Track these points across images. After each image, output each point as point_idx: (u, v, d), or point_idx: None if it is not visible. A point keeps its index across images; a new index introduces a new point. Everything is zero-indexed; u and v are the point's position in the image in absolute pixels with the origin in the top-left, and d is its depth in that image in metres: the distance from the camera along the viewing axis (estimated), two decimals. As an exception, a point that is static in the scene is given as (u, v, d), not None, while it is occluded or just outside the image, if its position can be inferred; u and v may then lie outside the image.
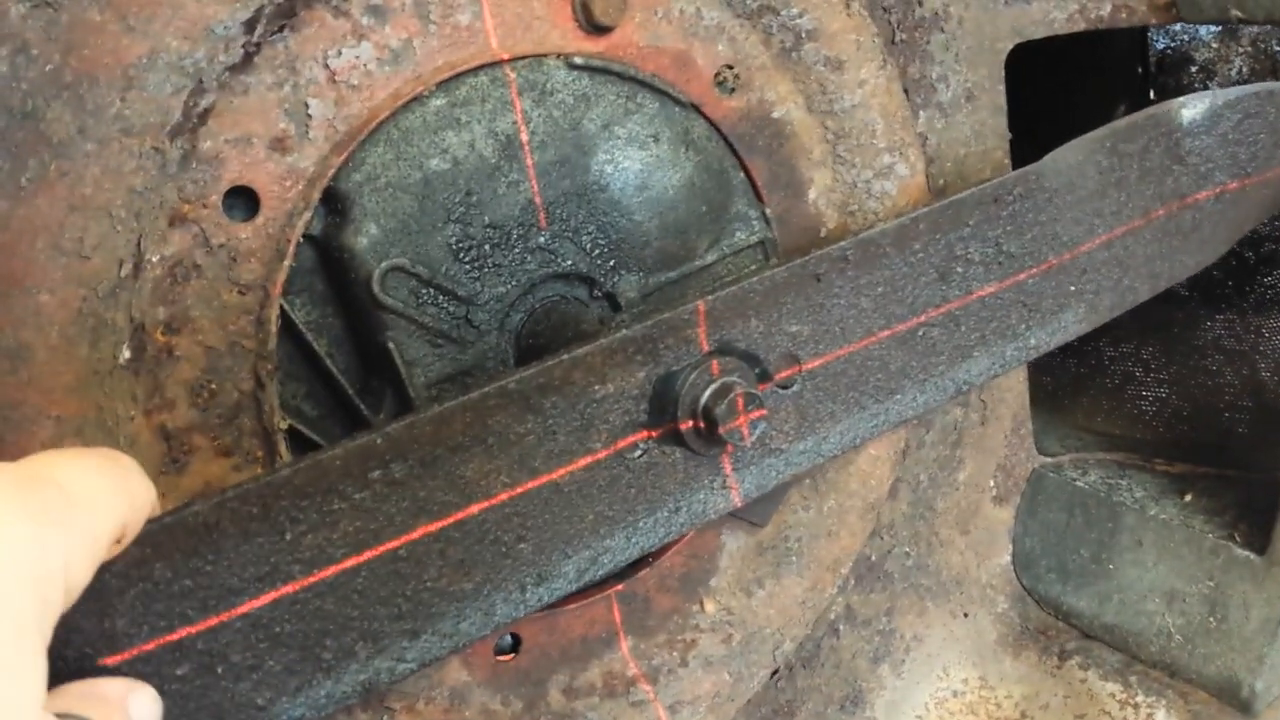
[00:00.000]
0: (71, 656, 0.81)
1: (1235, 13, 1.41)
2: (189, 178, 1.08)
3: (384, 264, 1.16)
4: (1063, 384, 2.09)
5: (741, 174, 1.37)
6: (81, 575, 0.72)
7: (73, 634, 0.81)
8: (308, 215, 1.13)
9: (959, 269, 1.22)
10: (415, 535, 0.95)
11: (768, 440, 1.15)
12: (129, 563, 0.83)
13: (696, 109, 1.32)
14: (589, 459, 1.04)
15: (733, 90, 1.34)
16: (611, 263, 1.29)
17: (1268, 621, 1.53)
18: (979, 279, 1.23)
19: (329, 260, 1.18)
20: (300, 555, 0.90)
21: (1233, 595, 1.57)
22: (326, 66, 1.12)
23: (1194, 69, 2.04)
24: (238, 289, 1.11)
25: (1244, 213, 1.46)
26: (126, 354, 1.08)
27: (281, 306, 1.14)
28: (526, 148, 1.22)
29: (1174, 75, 2.07)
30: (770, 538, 1.48)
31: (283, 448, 1.15)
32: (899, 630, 1.70)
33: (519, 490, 1.00)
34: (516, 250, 1.23)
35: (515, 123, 1.21)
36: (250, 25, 1.07)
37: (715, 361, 1.08)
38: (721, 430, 1.05)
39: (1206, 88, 2.01)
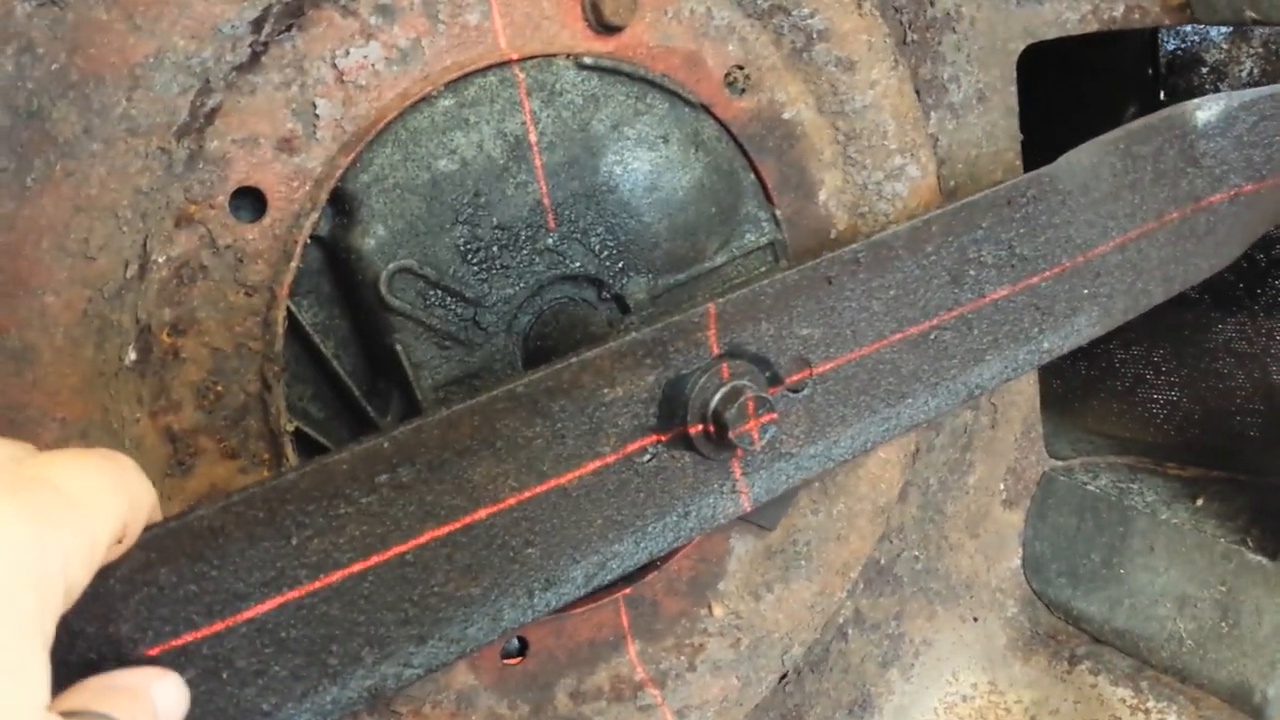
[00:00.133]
0: (76, 662, 0.80)
1: (1250, 14, 1.40)
2: (195, 178, 1.07)
3: (391, 265, 1.15)
4: (1073, 387, 2.08)
5: (751, 175, 1.36)
6: (81, 576, 0.72)
7: (77, 639, 0.81)
8: (315, 216, 1.12)
9: (972, 272, 1.21)
10: (422, 540, 0.94)
11: (778, 444, 1.14)
12: (133, 567, 0.82)
13: (706, 110, 1.31)
14: (598, 463, 1.03)
15: (743, 91, 1.33)
16: (620, 264, 1.28)
17: (1280, 627, 1.52)
18: (992, 282, 1.23)
19: (336, 261, 1.17)
20: (306, 560, 0.89)
21: (1245, 600, 1.56)
22: (334, 66, 1.11)
23: (1204, 70, 2.03)
24: (244, 290, 1.11)
25: (1259, 215, 1.45)
26: (132, 355, 1.07)
27: (288, 308, 1.13)
28: (535, 148, 1.21)
29: (1184, 76, 2.06)
30: (779, 541, 1.48)
31: (289, 450, 1.14)
32: (908, 634, 1.70)
33: (527, 494, 0.99)
34: (525, 252, 1.22)
35: (524, 123, 1.20)
36: (258, 24, 1.06)
37: (725, 365, 1.07)
38: (731, 434, 1.04)
39: (1217, 89, 2.00)
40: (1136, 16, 1.52)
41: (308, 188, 1.12)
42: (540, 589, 1.02)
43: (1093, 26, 1.53)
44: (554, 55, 1.21)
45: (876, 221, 1.43)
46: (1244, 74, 1.97)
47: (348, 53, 1.12)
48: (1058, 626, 1.75)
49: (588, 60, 1.23)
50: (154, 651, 0.84)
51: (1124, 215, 1.31)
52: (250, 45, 1.07)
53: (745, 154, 1.35)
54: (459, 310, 1.20)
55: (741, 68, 1.32)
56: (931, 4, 1.47)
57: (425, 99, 1.16)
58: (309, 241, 1.13)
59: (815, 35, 1.35)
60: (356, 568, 0.91)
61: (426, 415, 0.95)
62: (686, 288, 1.33)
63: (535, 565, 1.01)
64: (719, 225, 1.34)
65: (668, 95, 1.28)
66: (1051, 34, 1.53)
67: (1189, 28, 2.02)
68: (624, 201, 1.27)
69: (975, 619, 1.74)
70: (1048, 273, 1.26)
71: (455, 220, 1.18)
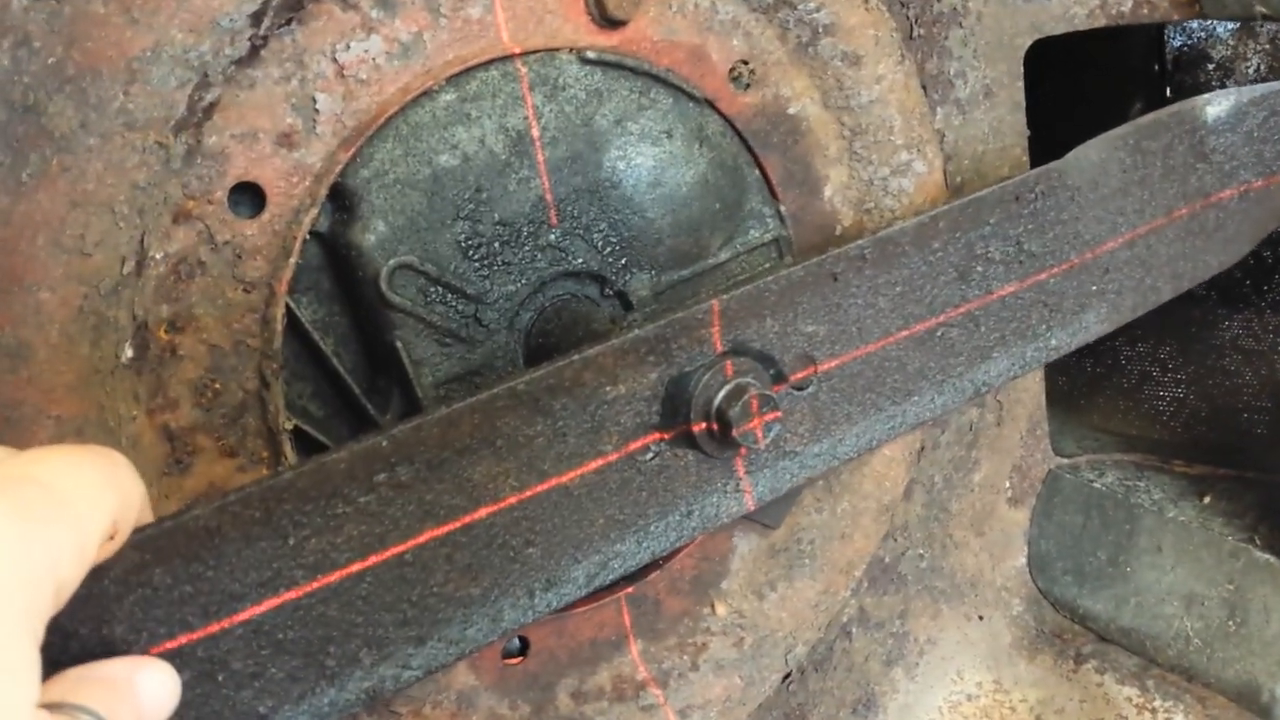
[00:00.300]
0: (69, 663, 0.79)
1: (1260, 9, 1.39)
2: (194, 173, 1.06)
3: (392, 261, 1.14)
4: (1079, 384, 2.07)
5: (756, 171, 1.36)
6: (72, 574, 0.71)
7: (70, 640, 0.80)
8: (314, 212, 1.11)
9: (979, 268, 1.20)
10: (421, 540, 0.93)
11: (782, 442, 1.13)
12: (127, 568, 0.81)
13: (711, 105, 1.31)
14: (600, 461, 1.02)
15: (748, 86, 1.32)
16: (623, 261, 1.27)
17: (1288, 626, 1.51)
18: (999, 278, 1.22)
19: (336, 258, 1.16)
20: (304, 560, 0.88)
21: (1253, 599, 1.55)
22: (335, 60, 1.11)
23: (1211, 66, 2.02)
24: (243, 287, 1.10)
25: (1269, 211, 1.44)
26: (129, 353, 1.06)
27: (287, 304, 1.13)
28: (538, 143, 1.20)
29: (1190, 73, 2.05)
30: (783, 540, 1.47)
31: (288, 448, 1.14)
32: (912, 633, 1.69)
33: (528, 494, 0.98)
34: (527, 248, 1.21)
35: (526, 118, 1.19)
36: (257, 18, 1.05)
37: (729, 362, 1.06)
38: (735, 433, 1.03)
39: (1224, 85, 1.99)
40: (1145, 12, 1.51)
41: (307, 183, 1.11)
42: (541, 589, 1.01)
43: (1100, 22, 1.52)
44: (557, 49, 1.20)
45: (882, 218, 1.42)
46: (1251, 70, 1.96)
47: (348, 47, 1.11)
48: (1063, 625, 1.75)
49: (591, 55, 1.22)
50: (149, 653, 0.83)
51: (1133, 211, 1.30)
52: (249, 39, 1.06)
53: (750, 149, 1.34)
54: (460, 307, 1.19)
55: (746, 62, 1.31)
56: (938, -1, 1.47)
57: (426, 93, 1.15)
58: (308, 237, 1.13)
59: (821, 30, 1.34)
60: (354, 568, 0.90)
61: (426, 414, 0.94)
62: (690, 284, 1.32)
63: (536, 565, 1.00)
64: (723, 221, 1.33)
65: (672, 90, 1.27)
66: (1059, 29, 1.52)
67: (1195, 24, 2.02)
68: (627, 197, 1.26)
69: (980, 617, 1.73)
70: (1056, 269, 1.25)
71: (456, 216, 1.17)
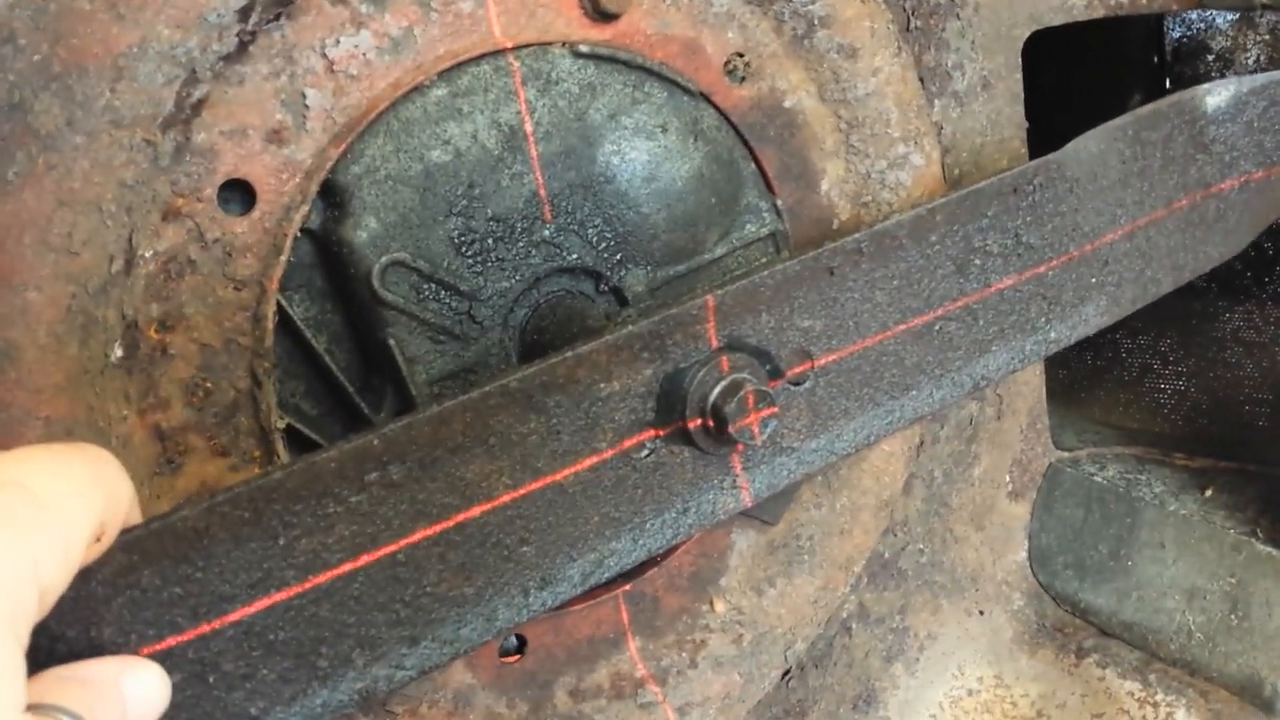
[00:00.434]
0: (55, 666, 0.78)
1: (1259, -1, 1.38)
2: (182, 171, 1.05)
3: (384, 258, 1.13)
4: (1079, 377, 2.07)
5: (752, 165, 1.35)
6: (57, 579, 0.70)
7: (58, 644, 0.79)
8: (305, 209, 1.10)
9: (977, 261, 1.19)
10: (414, 539, 0.93)
11: (779, 438, 1.12)
12: (115, 570, 0.81)
13: (706, 98, 1.29)
14: (594, 459, 1.01)
15: (743, 79, 1.31)
16: (618, 256, 1.26)
17: (1291, 620, 1.51)
18: (997, 271, 1.21)
19: (328, 255, 1.15)
20: (294, 560, 0.88)
21: (1255, 592, 1.55)
22: (324, 56, 1.10)
23: (1210, 58, 2.01)
24: (233, 285, 1.09)
25: (1270, 202, 1.43)
26: (119, 352, 1.05)
27: (279, 302, 1.12)
28: (531, 139, 1.19)
29: (1190, 64, 2.04)
30: (781, 536, 1.46)
31: (280, 447, 1.13)
32: (913, 628, 1.68)
33: (521, 492, 0.98)
34: (520, 244, 1.20)
35: (519, 113, 1.18)
36: (244, 13, 1.04)
37: (725, 358, 1.05)
38: (731, 429, 1.03)
39: (1223, 76, 1.98)
40: (1144, 2, 1.50)
41: (298, 180, 1.10)
42: (536, 588, 1.00)
43: (1099, 12, 1.51)
44: (549, 43, 1.19)
45: (880, 211, 1.42)
46: (1250, 61, 1.96)
47: (338, 42, 1.10)
48: (1065, 619, 1.74)
49: (584, 48, 1.21)
50: (138, 656, 0.82)
51: (1132, 202, 1.30)
52: (237, 34, 1.05)
53: (745, 143, 1.33)
54: (453, 304, 1.18)
55: (741, 55, 1.30)
56: (935, -11, 1.46)
57: (418, 89, 1.14)
58: (299, 235, 1.12)
59: (817, 22, 1.33)
60: (346, 568, 0.90)
61: (418, 412, 0.93)
62: (686, 280, 1.31)
63: (530, 564, 0.99)
64: (719, 216, 1.32)
65: (666, 84, 1.26)
66: (1057, 20, 1.51)
67: (1194, 15, 2.01)
68: (622, 192, 1.25)
69: (981, 612, 1.73)
70: (1055, 261, 1.24)
71: (449, 212, 1.16)
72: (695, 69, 1.28)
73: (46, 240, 0.99)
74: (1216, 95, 1.35)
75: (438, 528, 0.94)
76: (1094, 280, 1.28)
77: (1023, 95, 1.54)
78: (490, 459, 0.96)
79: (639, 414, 1.04)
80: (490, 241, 1.19)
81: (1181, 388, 1.95)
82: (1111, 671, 1.66)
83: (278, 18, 1.07)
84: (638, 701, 1.39)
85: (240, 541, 0.86)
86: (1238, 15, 1.95)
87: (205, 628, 0.85)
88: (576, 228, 1.23)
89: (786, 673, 1.57)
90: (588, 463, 1.01)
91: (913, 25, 1.45)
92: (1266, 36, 1.94)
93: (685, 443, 1.06)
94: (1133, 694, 1.63)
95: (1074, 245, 1.26)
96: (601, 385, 1.01)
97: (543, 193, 1.21)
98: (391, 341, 1.16)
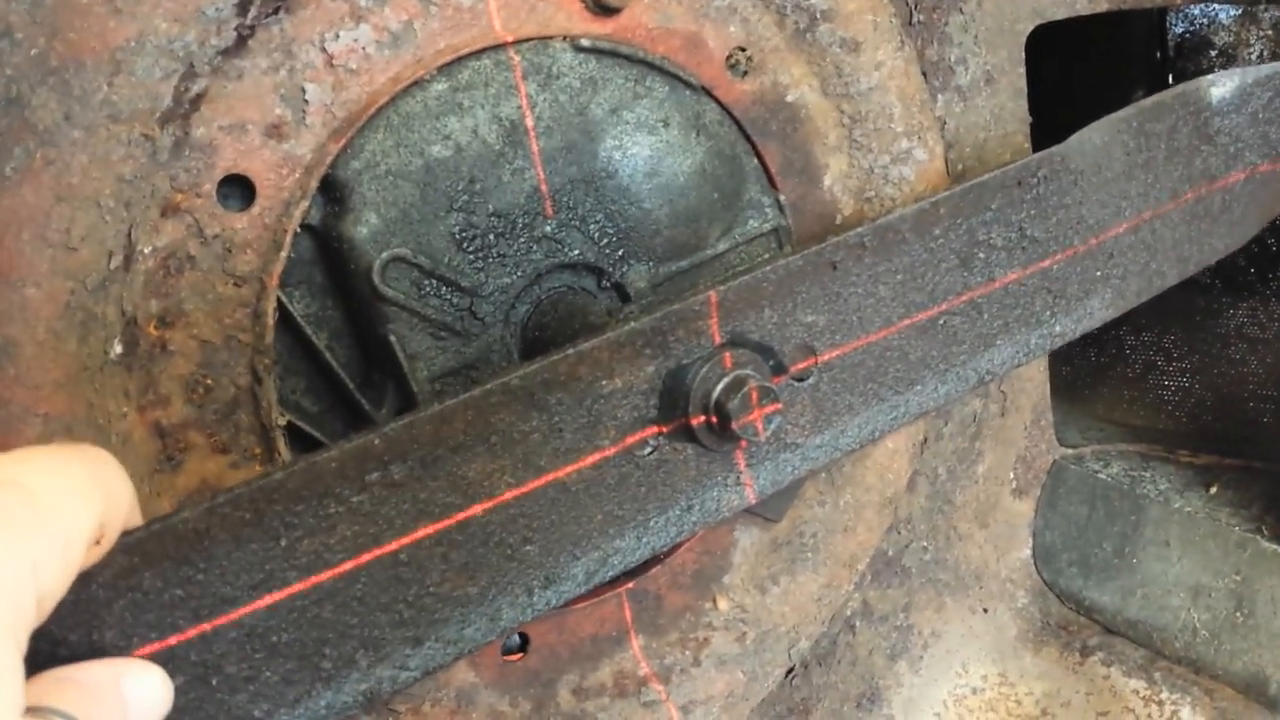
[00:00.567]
0: None
1: (1264, -9, 1.38)
2: (181, 166, 1.05)
3: (385, 254, 1.13)
4: (1083, 373, 2.06)
5: (754, 160, 1.34)
6: (55, 580, 0.69)
7: (59, 647, 0.78)
8: (305, 204, 1.10)
9: (981, 254, 1.19)
10: (416, 538, 0.92)
11: (783, 434, 1.12)
12: (116, 572, 0.80)
13: (708, 92, 1.29)
14: (597, 456, 1.01)
15: (745, 73, 1.31)
16: (620, 252, 1.25)
17: (1296, 617, 1.51)
18: (1002, 265, 1.20)
19: (328, 251, 1.14)
20: (296, 561, 0.87)
21: (1260, 590, 1.54)
22: (324, 50, 1.09)
23: (1213, 53, 2.01)
24: (233, 281, 1.09)
25: (1276, 193, 1.42)
26: (118, 349, 1.05)
27: (279, 299, 1.11)
28: (532, 133, 1.18)
29: (1192, 59, 2.03)
30: (785, 533, 1.46)
31: (281, 444, 1.12)
32: (917, 626, 1.68)
33: (524, 490, 0.97)
34: (522, 240, 1.20)
35: (520, 107, 1.18)
36: (243, 7, 1.04)
37: (728, 354, 1.04)
38: (735, 425, 1.02)
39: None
40: (1147, -5, 1.50)
41: (297, 175, 1.09)
42: (540, 587, 1.00)
43: (1102, 7, 1.51)
44: (550, 37, 1.19)
45: (883, 206, 1.41)
46: (1253, 56, 1.95)
47: (337, 36, 1.09)
48: (1069, 617, 1.74)
49: (585, 42, 1.20)
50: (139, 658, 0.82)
51: (1137, 195, 1.29)
52: (236, 28, 1.04)
53: (748, 138, 1.32)
54: (454, 300, 1.18)
55: (744, 49, 1.30)
56: (938, -17, 1.45)
57: (418, 83, 1.13)
58: (299, 230, 1.11)
59: (819, 15, 1.33)
60: (348, 568, 0.89)
61: (419, 411, 0.93)
62: (688, 275, 1.30)
63: (534, 563, 0.99)
64: (721, 211, 1.31)
65: (668, 78, 1.26)
66: (1060, 14, 1.51)
67: (1197, 9, 2.00)
68: (623, 187, 1.24)
69: (985, 610, 1.72)
70: (1059, 255, 1.24)
71: (450, 208, 1.16)
72: (697, 63, 1.27)
73: (45, 236, 0.99)
74: (1221, 87, 1.34)
75: (440, 527, 0.93)
76: (1099, 273, 1.28)
77: (1026, 90, 1.53)
78: (492, 457, 0.95)
79: (642, 411, 1.03)
80: (491, 237, 1.18)
81: (1186, 384, 1.95)
82: (1116, 669, 1.65)
83: (276, 11, 1.07)
84: (641, 700, 1.38)
85: (241, 542, 0.85)
86: (1240, 10, 1.94)
87: (207, 628, 0.84)
88: (578, 223, 1.23)
89: (790, 671, 1.57)
90: (590, 460, 1.01)
91: (915, 19, 1.45)
92: (1269, 31, 1.93)
93: (688, 440, 1.06)
94: (1138, 692, 1.62)
95: (1078, 238, 1.25)
96: (604, 382, 1.00)
97: (544, 188, 1.20)
98: (392, 338, 1.15)
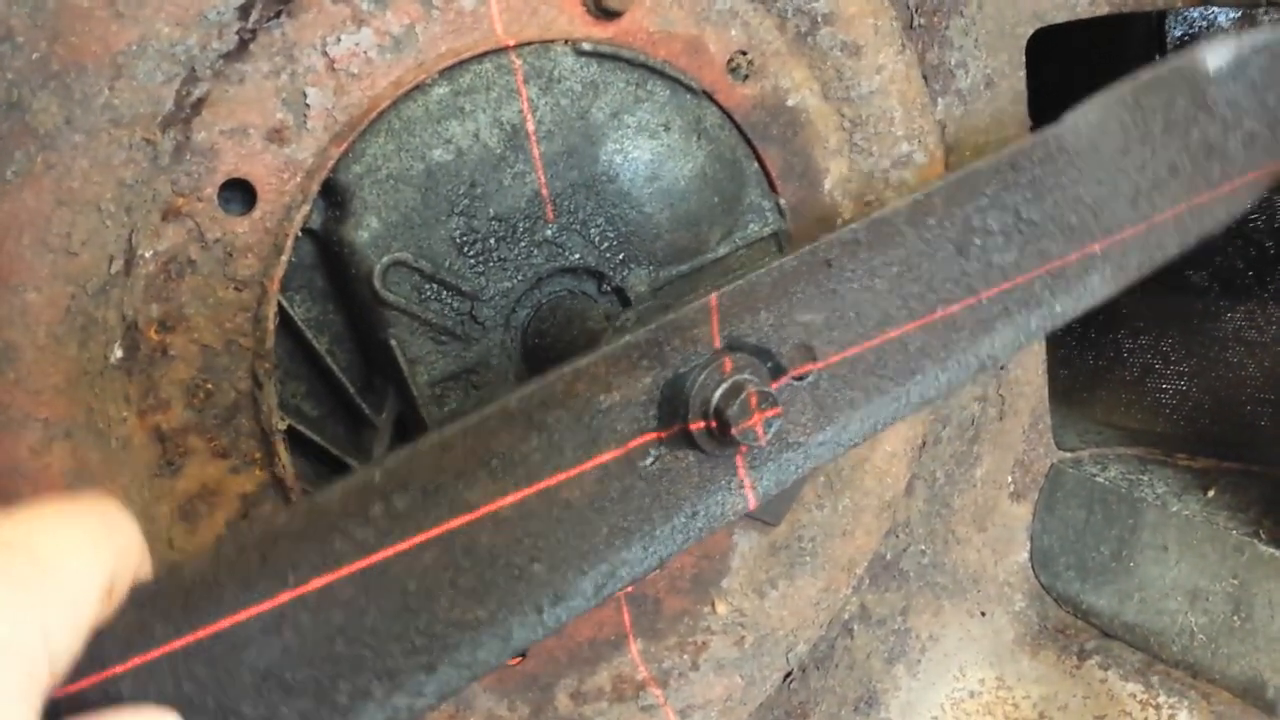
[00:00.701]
0: None
1: (1263, -5, 1.37)
2: (182, 170, 1.04)
3: (386, 259, 1.13)
4: (1081, 377, 2.06)
5: (755, 164, 1.34)
6: (67, 641, 0.69)
7: (74, 704, 0.78)
8: (306, 208, 1.09)
9: (977, 241, 1.18)
10: (423, 567, 0.92)
11: (785, 435, 1.11)
12: (128, 627, 0.80)
13: (709, 96, 1.29)
14: (599, 471, 1.00)
15: (746, 77, 1.31)
16: (621, 256, 1.25)
17: (1294, 621, 1.50)
18: (999, 250, 1.20)
19: (329, 255, 1.14)
20: (306, 601, 0.87)
21: (1257, 593, 1.54)
22: (325, 54, 1.09)
23: (1211, 55, 2.01)
24: (234, 285, 1.08)
25: (1275, 158, 1.41)
26: (118, 353, 1.04)
27: (280, 303, 1.11)
28: (533, 137, 1.18)
29: (1191, 62, 2.03)
30: (784, 537, 1.46)
31: (281, 449, 1.12)
32: (914, 630, 1.68)
33: (528, 510, 0.97)
34: (523, 244, 1.20)
35: (521, 111, 1.18)
36: (245, 11, 1.03)
37: (726, 359, 1.04)
38: (734, 431, 1.02)
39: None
40: (1147, -1, 1.50)
41: (299, 179, 1.09)
42: (550, 604, 0.99)
43: (1103, 10, 1.50)
44: (552, 41, 1.19)
45: (883, 210, 1.41)
46: (1252, 58, 1.95)
47: (339, 40, 1.09)
48: (1066, 621, 1.73)
49: (586, 46, 1.20)
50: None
51: (1135, 169, 1.28)
52: (237, 32, 1.04)
53: (748, 142, 1.32)
54: (455, 304, 1.18)
55: (745, 53, 1.29)
56: (939, -13, 1.45)
57: (419, 87, 1.13)
58: (300, 235, 1.11)
59: (820, 19, 1.32)
60: (358, 603, 0.89)
61: (417, 442, 0.92)
62: (689, 279, 1.30)
63: (542, 581, 0.98)
64: (722, 215, 1.31)
65: (669, 82, 1.25)
66: (1060, 18, 1.51)
67: (1195, 13, 2.01)
68: (624, 191, 1.24)
69: (983, 614, 1.72)
70: (1057, 235, 1.23)
71: (451, 212, 1.15)
72: (698, 67, 1.27)
73: (45, 240, 0.98)
74: (1217, 55, 1.33)
75: (446, 553, 0.93)
76: (1098, 250, 1.27)
77: (1026, 93, 1.53)
78: (494, 481, 0.95)
79: (641, 422, 1.02)
80: (492, 241, 1.18)
81: (1183, 388, 1.95)
82: (1114, 673, 1.65)
83: (278, 15, 1.06)
84: (639, 704, 1.38)
85: (250, 586, 0.85)
86: (1239, 13, 1.94)
87: (222, 674, 0.84)
88: (579, 227, 1.23)
89: (788, 674, 1.57)
90: (593, 475, 1.00)
91: (916, 23, 1.45)
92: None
93: (690, 446, 1.05)
94: (1135, 696, 1.62)
95: (1076, 217, 1.24)
96: (601, 397, 1.00)
97: (545, 192, 1.20)
98: (393, 342, 1.15)
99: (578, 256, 1.23)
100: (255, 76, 1.06)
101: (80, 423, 1.03)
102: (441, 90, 1.14)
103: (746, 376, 1.04)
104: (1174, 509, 1.66)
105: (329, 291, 1.16)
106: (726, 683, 1.45)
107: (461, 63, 1.14)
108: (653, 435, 1.03)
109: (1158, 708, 1.60)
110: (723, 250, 1.33)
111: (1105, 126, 1.25)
